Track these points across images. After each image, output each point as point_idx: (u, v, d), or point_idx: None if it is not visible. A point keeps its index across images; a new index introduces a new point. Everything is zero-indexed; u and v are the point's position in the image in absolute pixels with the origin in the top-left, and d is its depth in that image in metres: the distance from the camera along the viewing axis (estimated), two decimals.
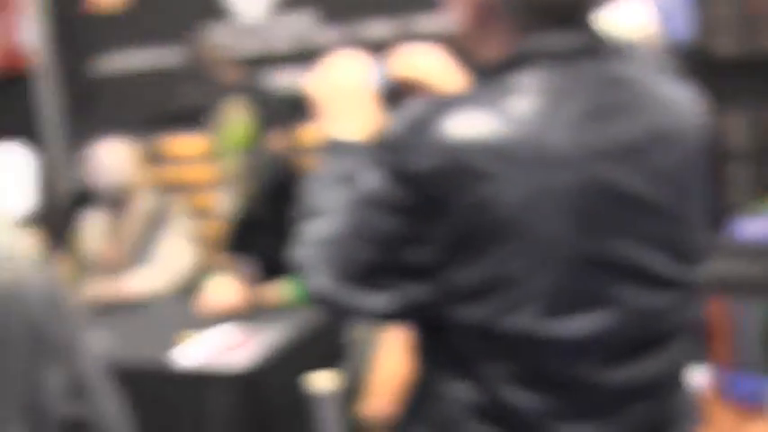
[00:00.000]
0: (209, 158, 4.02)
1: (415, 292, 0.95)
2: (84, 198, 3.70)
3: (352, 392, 1.75)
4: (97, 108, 5.20)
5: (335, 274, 0.99)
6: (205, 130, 4.01)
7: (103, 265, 3.15)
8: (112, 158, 3.11)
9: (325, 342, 2.14)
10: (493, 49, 1.01)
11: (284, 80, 4.49)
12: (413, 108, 0.97)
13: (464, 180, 0.91)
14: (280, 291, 2.62)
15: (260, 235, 2.81)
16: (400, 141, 0.95)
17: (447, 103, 0.95)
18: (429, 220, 0.93)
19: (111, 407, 1.10)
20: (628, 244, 0.94)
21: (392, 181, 0.95)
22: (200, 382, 2.03)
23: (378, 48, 4.26)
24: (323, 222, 1.05)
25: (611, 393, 0.96)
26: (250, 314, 2.56)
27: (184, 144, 4.84)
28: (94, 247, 3.18)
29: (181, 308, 2.72)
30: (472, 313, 0.93)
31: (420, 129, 0.95)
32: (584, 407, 0.95)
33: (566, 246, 0.91)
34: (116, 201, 3.16)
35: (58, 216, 3.85)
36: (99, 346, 2.29)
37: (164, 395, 2.06)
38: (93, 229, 3.21)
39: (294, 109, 4.30)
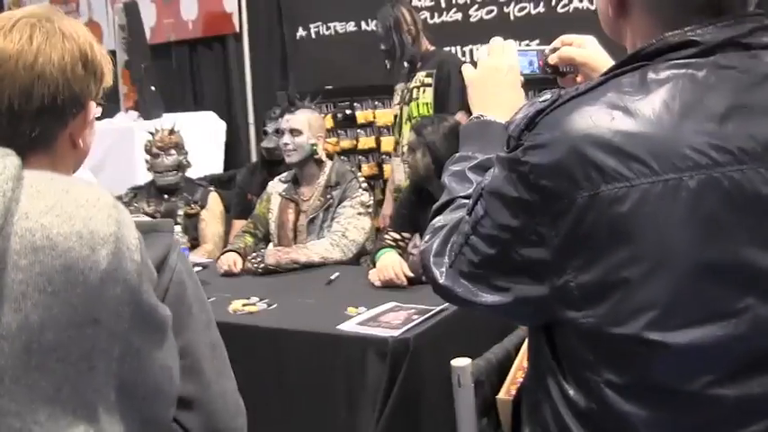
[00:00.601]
0: (395, 129, 4.18)
1: (528, 290, 0.96)
2: (268, 164, 3.99)
3: (494, 377, 1.78)
4: (294, 73, 5.54)
5: (455, 266, 1.02)
6: (395, 102, 4.19)
7: (282, 233, 3.39)
8: (302, 125, 3.32)
9: (485, 325, 2.17)
10: (632, 41, 1.00)
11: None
12: (542, 99, 0.97)
13: (587, 177, 0.90)
14: None
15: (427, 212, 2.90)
16: (524, 133, 0.96)
17: (577, 96, 0.94)
18: (548, 217, 0.93)
19: (222, 386, 1.10)
20: (754, 250, 0.89)
21: (514, 174, 0.95)
22: (360, 349, 2.24)
23: (526, 27, 4.42)
24: (451, 210, 1.09)
25: (727, 410, 0.91)
26: (415, 291, 2.67)
27: (376, 114, 5.11)
28: (275, 214, 3.43)
29: (353, 280, 2.93)
30: (585, 316, 0.93)
31: (546, 122, 0.94)
32: (697, 423, 0.92)
33: (688, 251, 0.88)
34: (301, 168, 3.39)
35: (243, 180, 4.17)
36: (269, 311, 2.52)
37: (325, 360, 2.28)
38: (275, 197, 3.45)
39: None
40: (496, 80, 1.20)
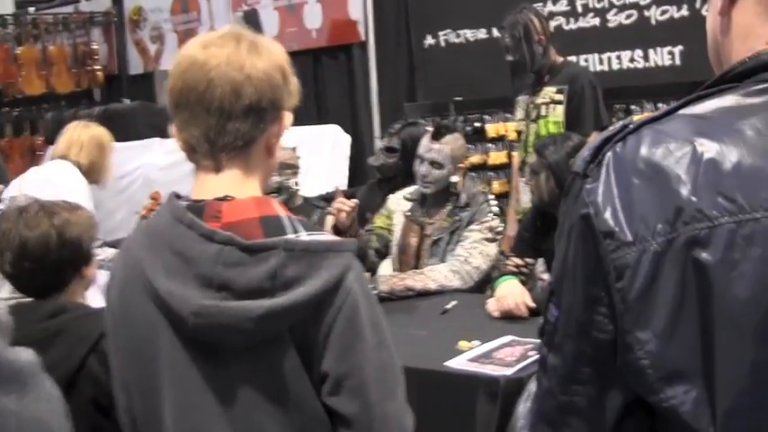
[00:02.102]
0: (521, 147, 4.20)
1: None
2: (387, 181, 4.09)
3: None
4: (423, 84, 5.64)
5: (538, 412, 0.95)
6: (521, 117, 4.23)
7: (404, 257, 3.46)
8: (445, 159, 3.36)
9: None
10: (734, 54, 0.92)
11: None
12: (611, 128, 0.90)
13: (663, 217, 0.82)
14: None
15: (550, 239, 2.91)
16: (590, 167, 0.88)
17: (651, 122, 0.87)
18: (614, 274, 0.84)
19: (384, 409, 1.22)
20: None
21: (580, 225, 0.87)
22: (469, 389, 2.21)
23: (669, 32, 4.44)
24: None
25: None
26: (536, 323, 2.65)
27: (507, 128, 5.17)
28: (398, 235, 3.50)
29: (470, 309, 2.94)
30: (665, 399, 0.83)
31: (615, 152, 0.87)
32: None
33: None
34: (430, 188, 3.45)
35: (362, 198, 4.28)
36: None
37: (431, 400, 2.25)
38: (398, 215, 3.53)
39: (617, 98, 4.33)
40: None
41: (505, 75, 4.33)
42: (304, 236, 1.22)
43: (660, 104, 4.57)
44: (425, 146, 3.37)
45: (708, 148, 0.82)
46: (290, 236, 1.22)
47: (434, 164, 3.34)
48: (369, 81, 5.88)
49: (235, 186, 1.27)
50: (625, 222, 0.83)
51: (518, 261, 3.10)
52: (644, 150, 0.85)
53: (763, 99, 0.84)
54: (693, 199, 0.81)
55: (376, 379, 1.22)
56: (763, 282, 0.78)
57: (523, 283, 2.99)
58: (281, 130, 1.28)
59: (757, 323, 0.78)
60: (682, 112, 0.87)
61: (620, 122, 0.90)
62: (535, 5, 4.34)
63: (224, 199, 1.25)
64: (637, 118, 0.91)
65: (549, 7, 4.91)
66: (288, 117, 1.28)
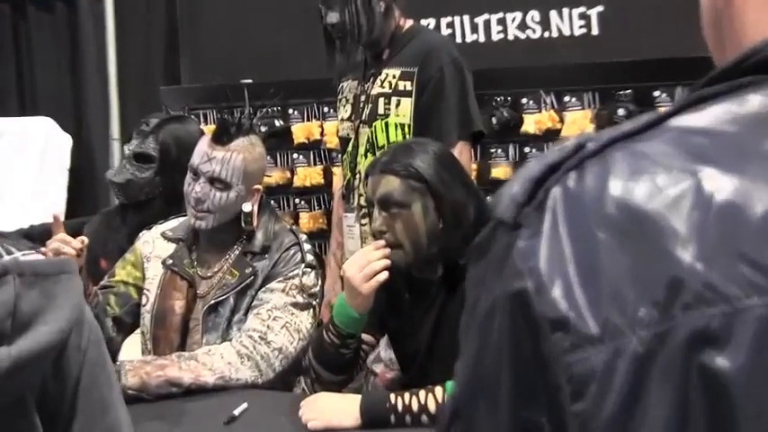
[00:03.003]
0: (345, 163, 4.30)
1: None
2: (131, 209, 4.04)
3: None
4: (189, 58, 5.64)
5: None
6: None
7: (162, 331, 3.43)
8: (233, 174, 3.38)
9: None
10: (751, 30, 0.90)
11: None
12: (558, 149, 0.87)
13: (650, 299, 0.77)
14: None
15: (416, 308, 3.10)
16: (524, 211, 0.85)
17: (624, 139, 0.84)
18: (570, 388, 0.80)
19: None
20: None
21: (506, 305, 0.84)
22: None
23: None
24: None
25: None
26: None
27: (327, 129, 5.33)
28: (153, 295, 3.46)
29: (269, 416, 2.98)
30: None
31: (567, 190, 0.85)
32: None
33: None
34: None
35: (94, 237, 4.20)
36: None
37: None
38: (154, 264, 3.49)
39: None
40: None
41: (320, 47, 4.27)
42: (20, 255, 1.35)
43: (567, 98, 4.83)
44: (202, 153, 3.40)
45: (720, 185, 0.77)
46: (7, 257, 1.33)
47: (216, 182, 3.37)
48: (104, 49, 5.88)
49: None
50: (586, 304, 0.78)
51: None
52: (615, 186, 0.80)
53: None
54: (700, 267, 0.75)
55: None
56: None
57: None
58: None
59: None
60: (672, 122, 0.83)
61: (572, 140, 0.86)
62: None
63: None
64: (599, 134, 0.85)
65: None
66: None
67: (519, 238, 0.82)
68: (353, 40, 3.93)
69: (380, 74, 4.00)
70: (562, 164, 0.83)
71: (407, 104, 3.93)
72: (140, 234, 3.66)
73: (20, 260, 1.33)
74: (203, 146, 3.40)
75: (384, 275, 2.90)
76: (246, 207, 3.39)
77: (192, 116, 4.98)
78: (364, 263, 2.91)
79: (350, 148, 4.10)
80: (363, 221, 3.28)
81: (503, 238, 0.84)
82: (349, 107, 4.14)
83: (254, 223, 3.43)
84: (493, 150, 5.01)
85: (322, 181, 5.39)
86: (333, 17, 3.93)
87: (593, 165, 0.82)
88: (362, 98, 4.05)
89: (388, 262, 2.91)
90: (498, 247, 0.84)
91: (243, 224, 3.41)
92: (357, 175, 3.97)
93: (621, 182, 0.80)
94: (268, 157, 4.91)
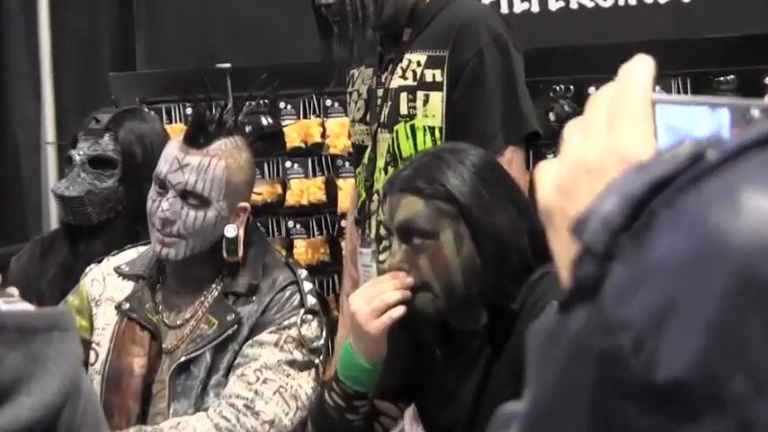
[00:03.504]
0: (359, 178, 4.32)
1: None
2: (73, 233, 4.03)
3: None
4: (145, 31, 5.69)
5: None
6: None
7: (117, 397, 3.43)
8: (212, 187, 3.39)
9: None
10: None
11: None
12: (661, 162, 0.90)
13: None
14: None
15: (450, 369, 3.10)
16: (621, 238, 0.89)
17: (736, 156, 0.87)
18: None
19: None
20: None
21: (592, 348, 0.88)
22: None
23: None
24: None
25: None
26: None
27: (329, 127, 5.38)
28: (104, 351, 3.47)
29: None
30: None
31: (674, 213, 0.88)
32: None
33: None
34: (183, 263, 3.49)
35: (21, 274, 4.20)
36: None
37: None
38: (105, 309, 3.52)
39: None
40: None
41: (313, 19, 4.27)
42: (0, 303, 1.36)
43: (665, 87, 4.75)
44: (172, 159, 3.41)
45: None
46: None
47: (190, 196, 3.39)
48: (35, 23, 5.94)
49: None
50: (701, 365, 0.81)
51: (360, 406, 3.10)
52: (749, 213, 0.83)
53: None
54: None
55: None
56: None
57: None
58: None
59: None
60: None
61: (684, 146, 0.88)
62: None
63: None
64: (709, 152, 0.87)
65: None
66: None
67: (611, 274, 0.85)
68: (357, 24, 3.86)
69: (401, 60, 3.95)
70: (673, 179, 0.86)
71: (438, 100, 3.90)
72: (87, 270, 3.66)
73: (2, 311, 1.35)
74: (173, 149, 3.40)
75: (399, 311, 2.89)
76: (230, 231, 3.38)
77: (152, 111, 4.99)
78: (374, 294, 2.90)
79: (365, 160, 4.06)
80: (382, 257, 3.23)
81: (589, 269, 0.87)
82: (362, 104, 4.10)
83: (240, 253, 3.41)
84: (551, 155, 4.97)
85: (323, 197, 5.40)
86: None
87: (716, 182, 0.84)
88: (379, 93, 4.00)
89: (406, 293, 2.90)
90: (583, 282, 0.88)
91: (225, 254, 3.40)
92: (374, 196, 3.93)
93: (757, 207, 0.81)
94: (257, 168, 4.93)
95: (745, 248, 0.80)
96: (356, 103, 4.12)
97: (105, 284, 3.55)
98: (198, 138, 3.35)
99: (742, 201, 0.81)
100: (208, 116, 3.45)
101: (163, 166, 3.37)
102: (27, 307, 1.43)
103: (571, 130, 1.15)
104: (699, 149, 0.86)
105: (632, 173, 0.89)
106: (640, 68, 1.12)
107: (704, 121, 1.15)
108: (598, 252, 0.87)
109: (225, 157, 3.35)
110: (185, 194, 3.33)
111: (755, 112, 1.16)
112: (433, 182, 2.98)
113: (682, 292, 0.82)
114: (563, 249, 1.11)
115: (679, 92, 4.79)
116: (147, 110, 4.79)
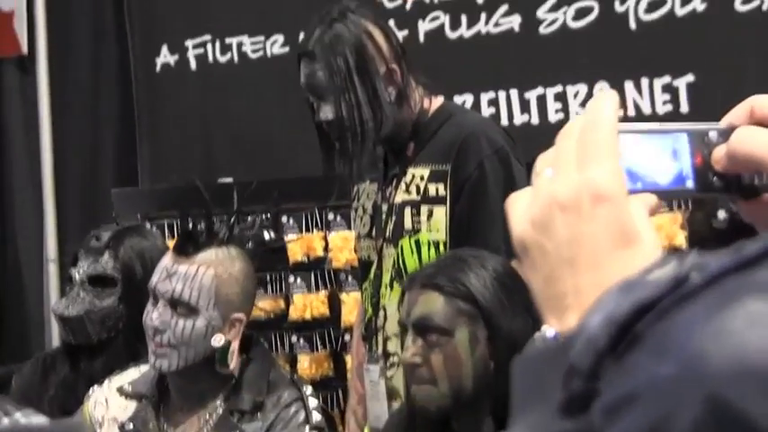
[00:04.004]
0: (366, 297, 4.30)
1: None
2: (74, 352, 4.00)
3: None
4: (149, 148, 5.71)
5: None
6: None
7: None
8: (200, 296, 3.38)
9: None
10: None
11: None
12: (651, 278, 0.92)
13: None
14: None
15: None
16: (606, 361, 0.89)
17: (735, 271, 0.88)
18: None
19: None
20: None
21: None
22: None
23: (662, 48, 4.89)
24: None
25: None
26: None
27: (332, 241, 5.32)
28: None
29: None
30: None
31: (661, 336, 0.88)
32: None
33: None
34: (180, 376, 3.45)
35: (23, 390, 4.18)
36: None
37: None
38: (108, 429, 3.49)
39: None
40: (577, 226, 1.16)
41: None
42: (21, 417, 1.37)
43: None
44: (161, 269, 3.44)
45: None
46: (5, 420, 1.35)
47: (178, 305, 3.38)
48: (36, 140, 5.96)
49: None
50: None
51: None
52: (731, 339, 0.83)
53: None
54: None
55: None
56: None
57: None
58: None
59: None
60: None
61: (667, 267, 0.90)
62: None
63: None
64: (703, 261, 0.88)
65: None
66: None
67: (597, 395, 0.86)
68: (356, 141, 3.85)
69: (405, 175, 3.94)
70: (657, 302, 0.86)
71: (442, 214, 3.88)
72: (89, 392, 3.63)
73: (21, 424, 1.32)
74: (165, 260, 3.42)
75: None
76: (217, 340, 3.36)
77: (154, 227, 5.04)
78: None
79: (371, 276, 4.03)
80: (390, 373, 3.21)
81: (577, 386, 0.88)
82: (368, 220, 4.09)
83: (232, 365, 3.39)
84: None
85: (327, 312, 5.38)
86: (327, 112, 3.85)
87: (697, 306, 0.85)
88: (384, 208, 3.99)
89: None
90: (573, 396, 0.89)
91: (217, 366, 3.38)
92: (381, 312, 3.90)
93: (735, 332, 0.82)
94: (261, 278, 4.91)
95: (720, 374, 0.81)
96: (362, 218, 4.11)
97: (108, 406, 3.52)
98: (187, 247, 3.36)
99: (721, 326, 0.82)
100: (198, 228, 3.52)
101: (154, 277, 3.38)
102: (43, 419, 1.43)
103: (543, 163, 1.19)
104: (683, 272, 0.87)
105: (618, 293, 0.90)
106: (607, 103, 1.17)
107: (666, 146, 1.22)
108: (584, 372, 0.88)
109: (215, 266, 3.35)
110: (174, 303, 3.33)
111: (713, 135, 1.23)
112: (454, 281, 2.99)
113: (662, 417, 0.82)
114: (540, 283, 1.17)
115: (680, 203, 4.73)
116: (148, 226, 4.80)
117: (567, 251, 1.15)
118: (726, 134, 1.24)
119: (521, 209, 1.20)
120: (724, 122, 1.25)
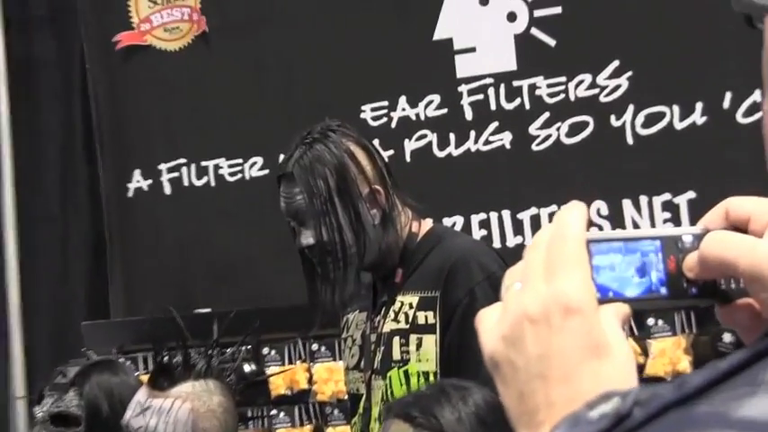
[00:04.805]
0: None
1: None
2: None
3: None
4: (120, 277, 5.68)
5: None
6: None
7: None
8: None
9: None
10: None
11: None
12: (597, 414, 1.00)
13: None
14: None
15: None
16: None
17: (688, 400, 0.96)
18: None
19: None
20: None
21: None
22: None
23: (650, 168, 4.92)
24: None
25: None
26: None
27: (316, 372, 5.34)
28: None
29: None
30: None
31: None
32: None
33: None
34: None
35: None
36: None
37: None
38: None
39: None
40: (548, 339, 1.19)
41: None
42: None
43: (651, 320, 4.87)
44: (134, 404, 3.42)
45: None
46: None
47: None
48: (3, 271, 5.95)
49: None
50: None
51: None
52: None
53: None
54: None
55: None
56: None
57: None
58: None
59: None
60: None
61: (611, 403, 0.98)
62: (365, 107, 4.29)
63: None
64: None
65: (399, 111, 5.13)
66: None
67: None
68: (339, 267, 3.82)
69: (393, 303, 3.90)
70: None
71: (431, 344, 3.83)
72: None
73: None
74: (138, 394, 3.39)
75: None
76: None
77: (128, 361, 5.01)
78: None
79: (360, 410, 4.00)
80: None
81: None
82: (356, 351, 4.04)
83: None
84: None
85: None
86: (308, 237, 3.82)
87: None
88: (373, 338, 3.95)
89: None
90: None
91: None
92: None
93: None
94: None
95: None
96: (350, 349, 4.08)
97: None
98: (161, 380, 3.34)
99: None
100: (173, 362, 3.47)
101: (127, 413, 3.37)
102: None
103: (512, 276, 1.23)
104: (625, 408, 0.97)
105: (566, 428, 1.00)
106: (574, 213, 1.22)
107: (638, 253, 1.25)
108: None
109: (191, 400, 3.31)
110: None
111: (688, 239, 1.27)
112: (427, 413, 2.93)
113: None
114: (513, 399, 1.20)
115: (684, 327, 4.88)
116: (122, 360, 4.77)
117: (538, 366, 1.19)
118: (700, 238, 1.27)
119: (490, 325, 1.26)
120: (699, 226, 1.29)
